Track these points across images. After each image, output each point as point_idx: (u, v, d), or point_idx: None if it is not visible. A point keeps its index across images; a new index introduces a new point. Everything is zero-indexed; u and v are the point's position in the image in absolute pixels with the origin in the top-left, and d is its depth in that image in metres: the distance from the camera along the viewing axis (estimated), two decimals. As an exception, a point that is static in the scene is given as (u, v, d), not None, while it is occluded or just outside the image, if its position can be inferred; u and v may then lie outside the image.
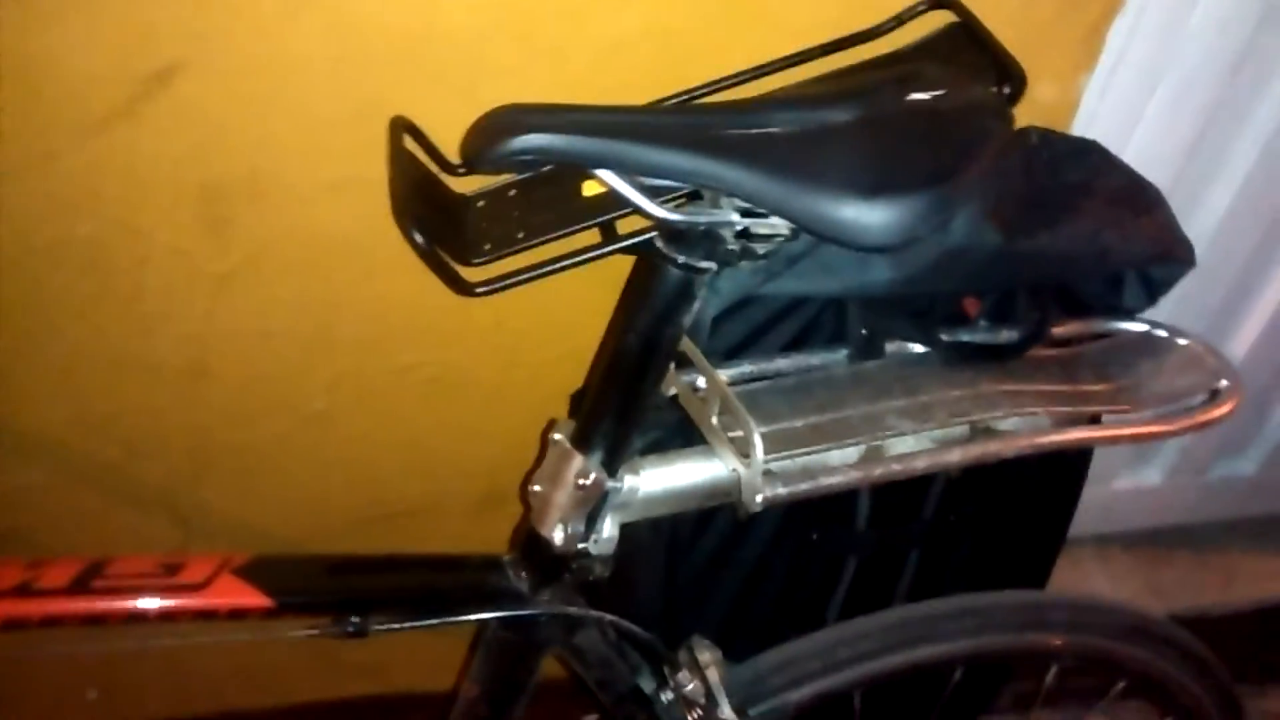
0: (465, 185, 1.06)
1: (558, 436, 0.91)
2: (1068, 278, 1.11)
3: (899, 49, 1.11)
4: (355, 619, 0.87)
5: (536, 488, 0.92)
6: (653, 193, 0.77)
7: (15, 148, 1.02)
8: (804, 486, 0.91)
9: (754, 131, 0.78)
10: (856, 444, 0.96)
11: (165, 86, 1.01)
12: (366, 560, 0.95)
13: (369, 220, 1.09)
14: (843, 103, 0.80)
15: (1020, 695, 1.53)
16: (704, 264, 0.82)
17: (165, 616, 0.82)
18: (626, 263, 0.96)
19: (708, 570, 1.15)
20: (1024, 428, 1.01)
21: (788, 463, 0.93)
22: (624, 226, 1.01)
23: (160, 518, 1.33)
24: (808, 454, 0.94)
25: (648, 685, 1.03)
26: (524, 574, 0.95)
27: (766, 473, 0.89)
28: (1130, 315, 1.16)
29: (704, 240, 0.81)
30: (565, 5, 1.06)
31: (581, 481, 0.89)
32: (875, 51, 1.11)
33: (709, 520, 1.12)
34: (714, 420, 0.92)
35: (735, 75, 1.08)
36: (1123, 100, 1.35)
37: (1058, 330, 1.11)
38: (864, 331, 1.05)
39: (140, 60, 1.00)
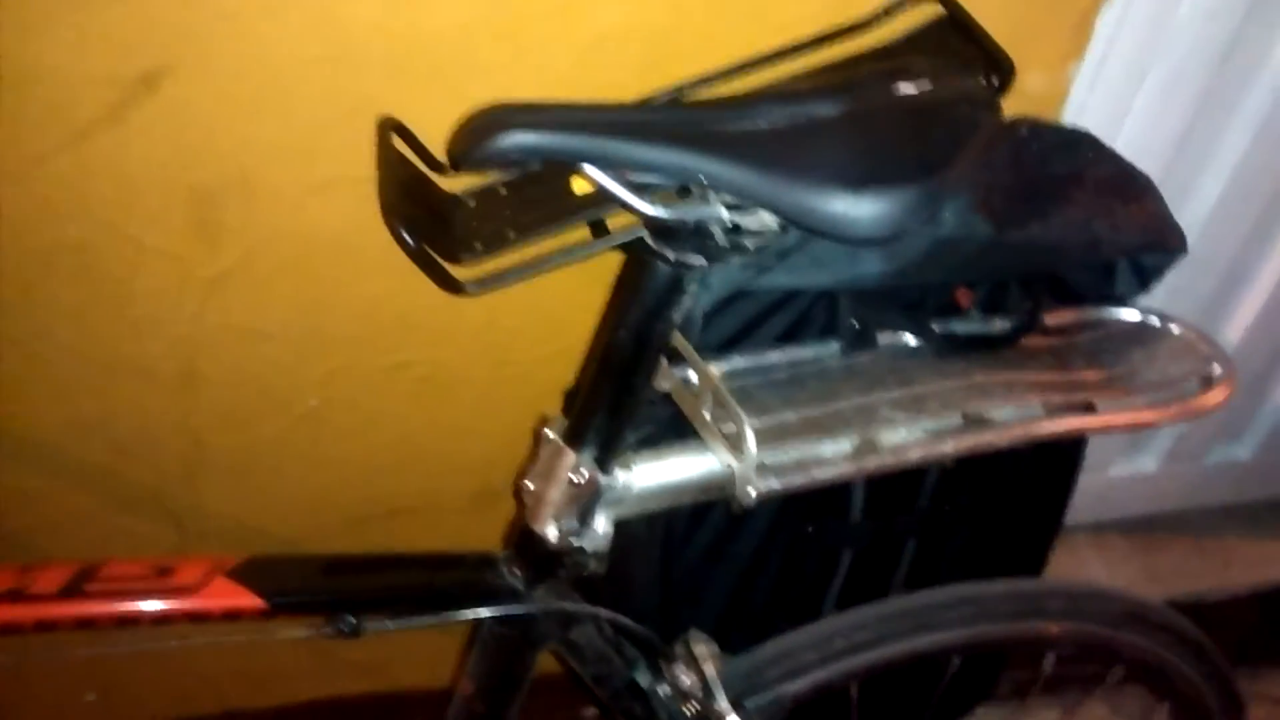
0: (455, 184, 1.06)
1: (550, 433, 0.91)
2: (1059, 267, 1.12)
3: (887, 42, 1.11)
4: (350, 619, 0.87)
5: (530, 484, 0.93)
6: (641, 189, 0.77)
7: (3, 152, 1.02)
8: (798, 479, 0.92)
9: (742, 126, 0.78)
10: (850, 436, 0.96)
11: (152, 90, 1.01)
12: (360, 560, 0.95)
13: (359, 220, 1.09)
14: (830, 96, 0.80)
15: (1018, 683, 1.53)
16: (694, 259, 0.82)
17: (159, 620, 0.82)
18: (618, 260, 0.96)
19: (703, 564, 1.15)
20: (1018, 417, 1.01)
21: (781, 456, 0.93)
22: (615, 224, 1.01)
23: (155, 520, 1.32)
24: (801, 447, 0.94)
25: (644, 679, 1.03)
26: (518, 570, 0.95)
27: (760, 466, 0.89)
28: (1123, 303, 1.16)
29: (693, 236, 0.81)
30: (550, 3, 1.06)
31: (574, 478, 0.89)
32: (863, 45, 1.11)
33: (704, 514, 1.12)
34: (707, 415, 0.92)
35: (722, 70, 1.07)
36: (1112, 90, 1.34)
37: (1050, 319, 1.11)
38: (856, 324, 1.05)
39: (127, 64, 1.00)
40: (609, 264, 0.97)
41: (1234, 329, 1.76)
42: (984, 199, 1.00)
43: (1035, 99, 1.25)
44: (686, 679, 1.02)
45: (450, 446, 1.37)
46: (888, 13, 1.10)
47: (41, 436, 1.22)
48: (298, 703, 1.58)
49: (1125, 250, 1.11)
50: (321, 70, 1.04)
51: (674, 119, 0.80)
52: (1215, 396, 1.06)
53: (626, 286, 0.86)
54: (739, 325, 1.04)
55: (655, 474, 0.93)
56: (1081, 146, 1.14)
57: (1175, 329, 1.14)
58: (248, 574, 0.85)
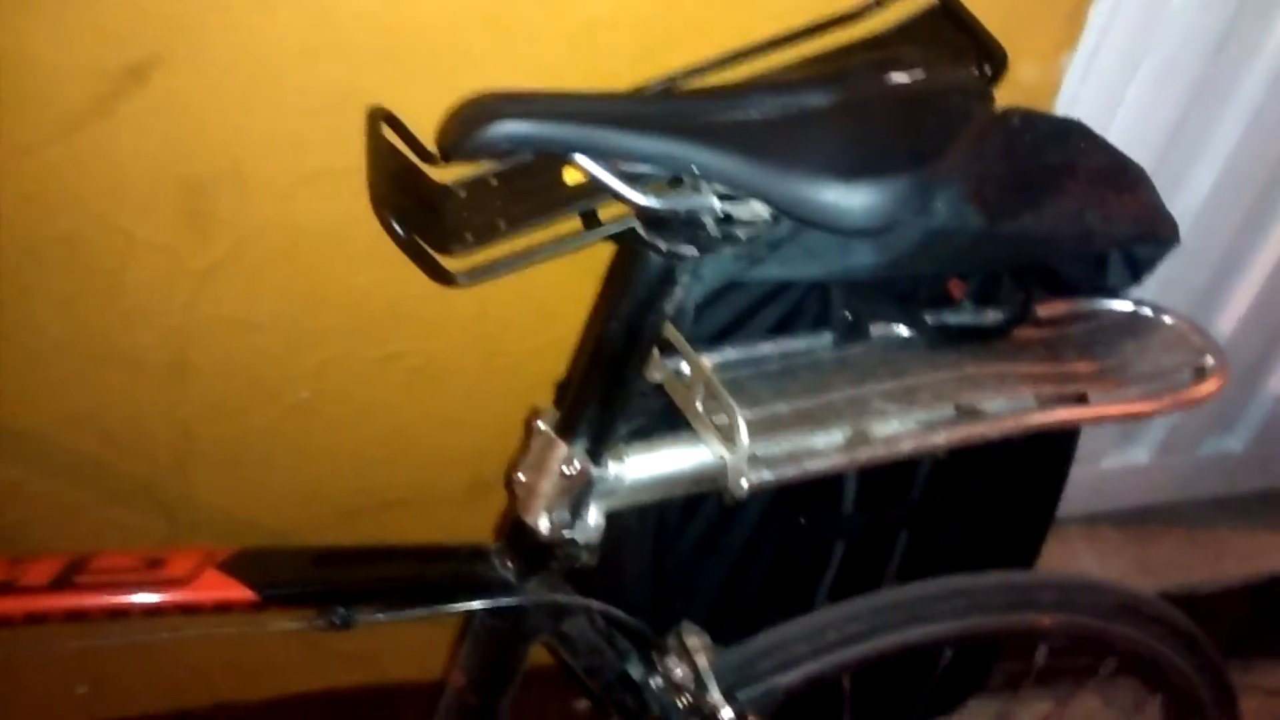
0: (446, 175, 1.05)
1: (542, 425, 0.91)
2: (1052, 258, 1.11)
3: (880, 31, 1.11)
4: (341, 611, 0.87)
5: (521, 476, 0.92)
6: (633, 179, 0.77)
7: (-9, 144, 1.02)
8: (790, 471, 0.91)
9: (733, 116, 0.77)
10: (842, 427, 0.95)
11: (142, 81, 1.00)
12: (351, 551, 0.94)
13: (350, 211, 1.08)
14: (822, 86, 0.79)
15: (1010, 675, 1.53)
16: (685, 250, 0.81)
17: (149, 612, 0.82)
18: (610, 251, 0.96)
19: (696, 556, 1.15)
20: (1010, 408, 1.01)
21: (773, 447, 0.92)
22: (606, 215, 1.00)
23: (146, 512, 1.32)
24: (793, 438, 0.93)
25: (636, 671, 1.03)
26: (510, 563, 0.95)
27: (752, 458, 0.89)
28: (1115, 294, 1.16)
29: (685, 226, 0.81)
30: (541, -9, 1.06)
31: (566, 469, 0.89)
32: (855, 34, 1.11)
33: (696, 506, 1.12)
34: (699, 406, 0.92)
35: (714, 60, 1.07)
36: (1105, 80, 1.34)
37: (1042, 311, 1.11)
38: (848, 315, 1.05)
39: (116, 55, 0.99)
40: (600, 255, 0.97)
41: (1227, 320, 1.76)
42: (976, 189, 1.00)
43: (1028, 89, 1.25)
44: (679, 671, 1.02)
45: (442, 438, 1.37)
46: (880, 2, 1.10)
47: (32, 429, 1.22)
48: (289, 695, 1.58)
49: (1118, 241, 1.11)
50: (312, 61, 1.03)
51: (665, 109, 0.79)
52: (1207, 387, 1.06)
53: (618, 277, 0.85)
54: (731, 317, 1.04)
55: (647, 465, 0.92)
56: (1074, 137, 1.14)
57: (1168, 320, 1.14)
58: (238, 566, 0.85)
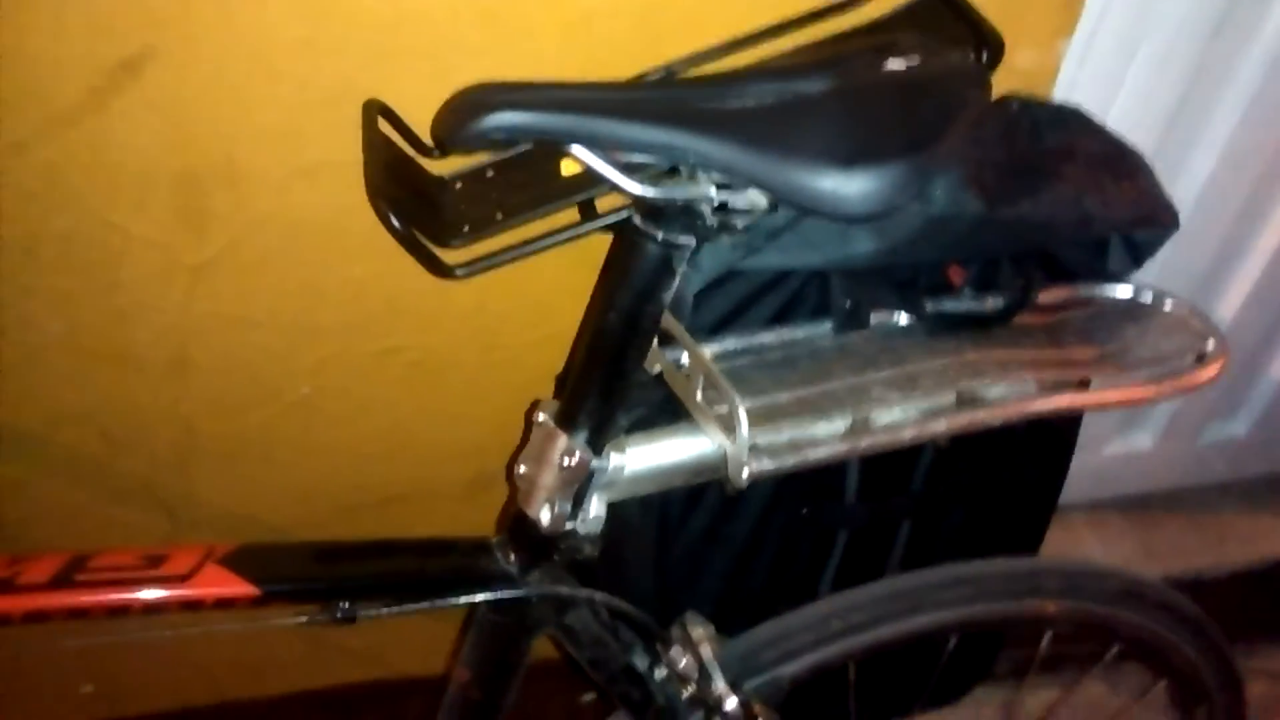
0: (443, 167, 1.05)
1: (542, 417, 0.91)
2: (1051, 244, 1.11)
3: (877, 18, 1.10)
4: (343, 605, 0.87)
5: (522, 469, 0.92)
6: (629, 169, 0.76)
7: (-17, 140, 1.01)
8: (791, 460, 0.91)
9: (730, 104, 0.77)
10: (843, 416, 0.95)
11: (134, 75, 1.00)
12: (353, 546, 0.94)
13: (346, 205, 1.08)
14: (818, 73, 0.79)
15: (1016, 663, 1.53)
16: (683, 239, 0.81)
17: (150, 609, 0.82)
18: (608, 242, 0.95)
19: (699, 547, 1.15)
20: (1011, 395, 1.01)
21: (774, 436, 0.92)
22: (603, 205, 1.00)
23: (147, 510, 1.32)
24: (794, 427, 0.93)
25: (641, 663, 1.03)
26: (512, 555, 0.94)
27: (753, 447, 0.89)
28: (1116, 280, 1.15)
29: (682, 215, 0.80)
30: (536, -19, 1.05)
31: (567, 461, 0.88)
32: (853, 21, 1.10)
33: (699, 497, 1.11)
34: (699, 396, 0.92)
35: (712, 49, 1.07)
36: (1103, 66, 1.34)
37: (1043, 297, 1.11)
38: (848, 303, 1.04)
39: (109, 49, 0.99)
40: (599, 247, 0.97)
41: (1228, 305, 1.76)
42: (975, 176, 1.00)
43: (1026, 75, 1.24)
44: (683, 662, 1.01)
45: (442, 433, 1.37)
46: (877, -12, 1.10)
47: (32, 427, 1.22)
48: (294, 692, 1.58)
49: (1117, 226, 1.10)
50: (307, 54, 1.03)
51: (662, 98, 0.79)
52: (1209, 372, 1.06)
53: (616, 268, 0.85)
54: (730, 306, 1.04)
55: (648, 456, 0.92)
56: (1072, 123, 1.13)
57: (1168, 305, 1.13)
58: (240, 562, 0.85)
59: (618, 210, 0.95)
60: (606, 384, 0.88)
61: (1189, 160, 1.56)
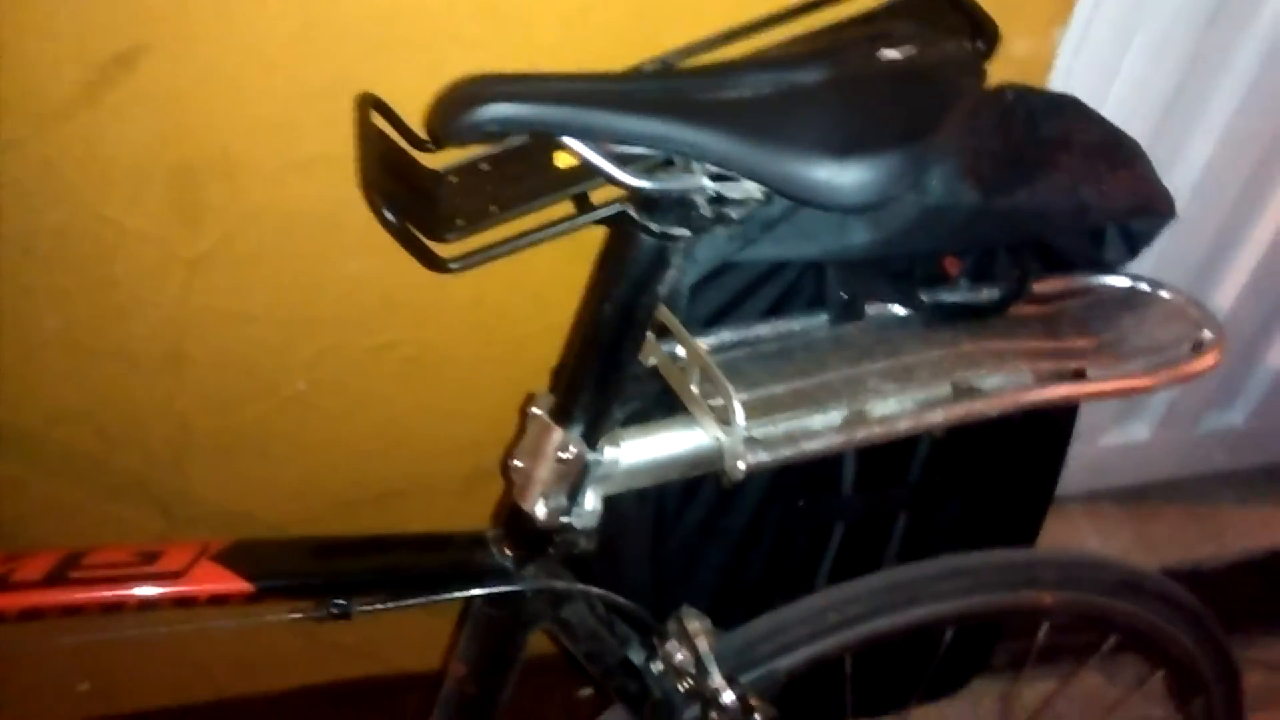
0: (438, 161, 1.05)
1: (537, 410, 0.91)
2: (1047, 234, 1.11)
3: (873, 8, 1.10)
4: (338, 601, 0.87)
5: (517, 463, 0.92)
6: (624, 161, 0.76)
7: (-24, 136, 1.01)
8: (787, 452, 0.91)
9: (724, 95, 0.76)
10: (839, 408, 0.95)
11: (128, 69, 1.00)
12: (348, 541, 0.94)
13: (341, 198, 1.08)
14: (813, 63, 0.79)
15: (1013, 654, 1.53)
16: (677, 231, 0.81)
17: (144, 605, 0.82)
18: (603, 234, 0.95)
19: (695, 540, 1.15)
20: (1007, 385, 1.01)
21: (770, 428, 0.92)
22: (599, 198, 1.00)
23: (143, 507, 1.32)
24: (790, 419, 0.93)
25: (637, 657, 1.03)
26: (508, 550, 0.94)
27: (748, 439, 0.89)
28: (1112, 270, 1.15)
29: (677, 207, 0.80)
30: (531, -27, 1.05)
31: (562, 455, 0.88)
32: (849, 11, 1.10)
33: (695, 490, 1.11)
34: (694, 389, 0.92)
35: (708, 39, 1.06)
36: (1099, 54, 1.34)
37: (1039, 287, 1.11)
38: (844, 295, 1.04)
39: (101, 43, 0.98)
40: (596, 239, 0.96)
41: (1225, 294, 1.75)
42: (971, 166, 1.00)
43: (1021, 64, 1.24)
44: (680, 655, 1.01)
45: (439, 428, 1.37)
46: (873, -22, 1.09)
47: (28, 424, 1.22)
48: (292, 688, 1.58)
49: (1113, 215, 1.10)
50: (301, 46, 1.03)
51: (656, 89, 0.78)
52: (1205, 361, 1.06)
53: (610, 260, 0.85)
54: (726, 298, 1.03)
55: (644, 450, 0.92)
56: (1068, 112, 1.13)
57: (1165, 294, 1.13)
58: (234, 558, 0.85)
59: (611, 202, 0.95)
60: (601, 377, 0.87)
61: (1185, 149, 1.55)
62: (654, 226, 0.80)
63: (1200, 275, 1.71)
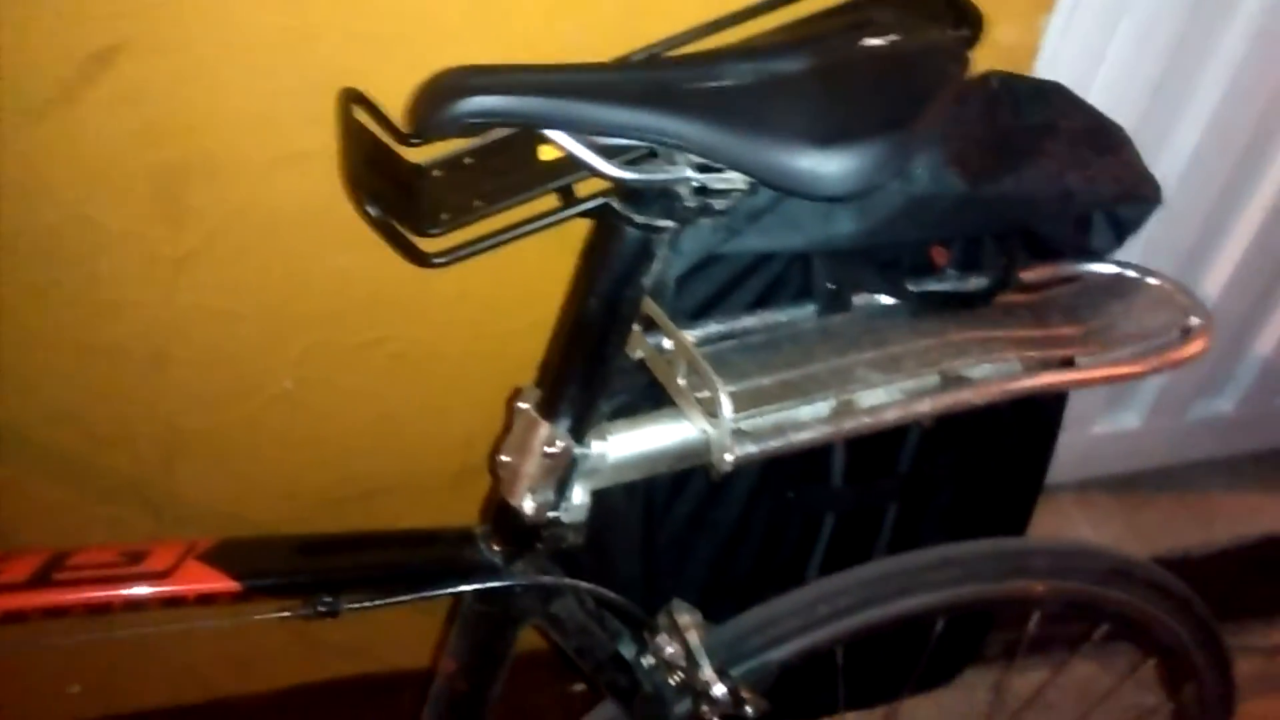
0: (421, 156, 1.04)
1: (523, 405, 0.90)
2: (1033, 221, 1.11)
3: (856, -5, 1.10)
4: (327, 599, 0.86)
5: (504, 458, 0.91)
6: (608, 153, 0.76)
7: (-45, 136, 1.00)
8: (775, 443, 0.91)
9: (706, 85, 0.76)
10: (827, 398, 0.95)
11: (108, 66, 0.99)
12: (336, 539, 0.94)
13: (327, 194, 1.07)
14: (796, 52, 0.78)
15: (1005, 644, 1.53)
16: (662, 222, 0.81)
17: (131, 605, 0.81)
18: (590, 227, 0.95)
19: (685, 533, 1.15)
20: (995, 374, 1.01)
21: (758, 420, 0.92)
22: (583, 190, 0.99)
23: (131, 507, 1.31)
24: (778, 410, 0.93)
25: (628, 651, 1.02)
26: (496, 545, 0.94)
27: (736, 431, 0.89)
28: (1099, 257, 1.15)
29: (661, 198, 0.80)
30: (513, -35, 1.04)
31: (549, 449, 0.88)
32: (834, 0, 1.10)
33: (684, 483, 1.11)
34: (681, 381, 0.92)
35: (694, 29, 1.06)
36: (1085, 40, 1.33)
37: (1026, 275, 1.11)
38: (830, 285, 1.04)
39: (80, 40, 0.98)
40: (582, 231, 0.96)
41: (1213, 281, 1.75)
42: (956, 154, 1.00)
43: (1006, 50, 1.23)
44: (670, 649, 1.01)
45: (427, 424, 1.36)
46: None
47: (13, 425, 1.21)
48: (285, 688, 1.58)
49: (1100, 202, 1.10)
50: (282, 42, 1.02)
51: (637, 79, 0.78)
52: (1193, 347, 1.06)
53: (595, 253, 0.85)
54: (712, 290, 1.03)
55: (631, 443, 0.92)
56: (1054, 99, 1.13)
57: (1153, 281, 1.13)
58: (221, 557, 0.84)
59: (596, 195, 0.94)
60: (588, 370, 0.87)
61: (1173, 135, 1.55)
62: (638, 218, 0.80)
63: (1188, 262, 1.71)
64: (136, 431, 1.26)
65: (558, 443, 0.88)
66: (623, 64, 1.04)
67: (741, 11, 1.06)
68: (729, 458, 0.88)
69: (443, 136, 0.75)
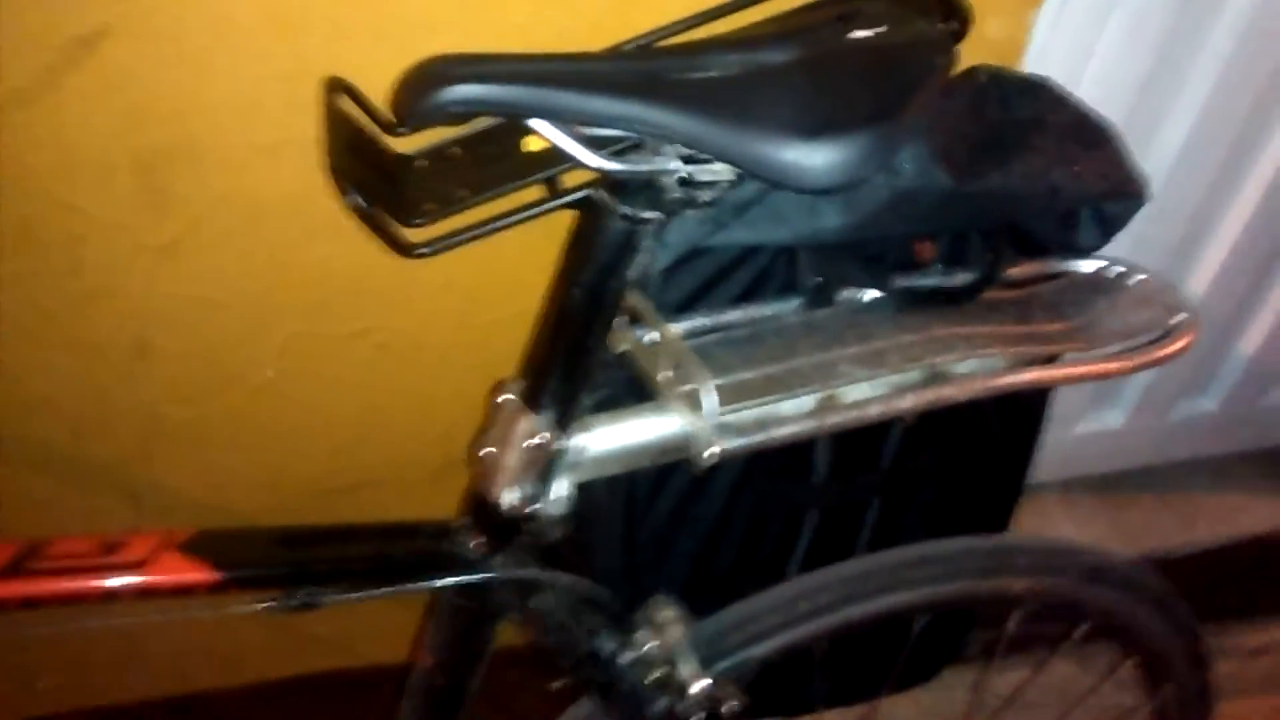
0: (407, 145, 1.04)
1: (505, 396, 0.90)
2: (1020, 217, 1.10)
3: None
4: (306, 591, 0.86)
5: (486, 450, 0.91)
6: (593, 143, 0.75)
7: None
8: (758, 438, 0.91)
9: (692, 75, 0.76)
10: (810, 393, 0.95)
11: (91, 52, 0.98)
12: (315, 531, 0.93)
13: (309, 183, 1.07)
14: (782, 43, 0.78)
15: (985, 643, 1.53)
16: (647, 214, 0.80)
17: (106, 597, 0.80)
18: (575, 217, 0.94)
19: (667, 528, 1.14)
20: (979, 370, 1.00)
21: (741, 414, 0.91)
22: (568, 181, 0.99)
23: (112, 498, 1.30)
24: (761, 405, 0.92)
25: (607, 647, 1.01)
26: (476, 539, 0.93)
27: (719, 425, 0.88)
28: (1085, 254, 1.15)
29: (646, 190, 0.79)
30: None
31: (530, 442, 0.87)
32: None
33: (666, 477, 1.10)
34: (665, 374, 0.91)
35: (682, 21, 1.06)
36: (1073, 35, 1.34)
37: (1012, 271, 1.10)
38: (816, 280, 1.03)
39: (63, 26, 0.97)
40: (567, 223, 0.96)
41: (1199, 279, 1.76)
42: (943, 148, 0.99)
43: (995, 44, 1.24)
44: (651, 645, 1.00)
45: (413, 416, 1.36)
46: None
47: (-7, 414, 1.20)
48: (265, 681, 1.57)
49: (1086, 198, 1.10)
50: (266, 28, 1.02)
51: (623, 70, 0.78)
52: (1178, 345, 1.05)
53: (579, 244, 0.84)
54: (698, 283, 1.03)
55: (614, 436, 0.91)
56: (1041, 94, 1.13)
57: (1138, 278, 1.13)
58: (199, 547, 0.83)
59: (580, 185, 0.94)
60: (570, 363, 0.87)
61: (1160, 132, 1.56)
62: (623, 209, 0.80)
63: (1174, 259, 1.71)
64: (118, 422, 1.25)
65: (539, 435, 0.87)
66: (609, 54, 1.03)
67: (729, 3, 1.06)
68: (712, 452, 0.87)
69: (426, 125, 0.74)
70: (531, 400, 0.88)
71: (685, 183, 0.79)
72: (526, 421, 0.87)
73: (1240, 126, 1.58)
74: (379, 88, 0.98)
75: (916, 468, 1.20)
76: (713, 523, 1.15)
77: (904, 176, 0.98)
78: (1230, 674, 1.66)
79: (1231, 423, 2.03)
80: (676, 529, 1.14)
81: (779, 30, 0.88)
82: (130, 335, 1.18)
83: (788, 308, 1.04)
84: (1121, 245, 1.15)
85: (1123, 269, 1.13)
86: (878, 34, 0.80)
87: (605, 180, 0.80)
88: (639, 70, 0.77)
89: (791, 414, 0.93)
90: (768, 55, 0.77)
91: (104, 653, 1.45)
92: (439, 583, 0.92)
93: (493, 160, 1.01)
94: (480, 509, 0.92)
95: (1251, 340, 1.91)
